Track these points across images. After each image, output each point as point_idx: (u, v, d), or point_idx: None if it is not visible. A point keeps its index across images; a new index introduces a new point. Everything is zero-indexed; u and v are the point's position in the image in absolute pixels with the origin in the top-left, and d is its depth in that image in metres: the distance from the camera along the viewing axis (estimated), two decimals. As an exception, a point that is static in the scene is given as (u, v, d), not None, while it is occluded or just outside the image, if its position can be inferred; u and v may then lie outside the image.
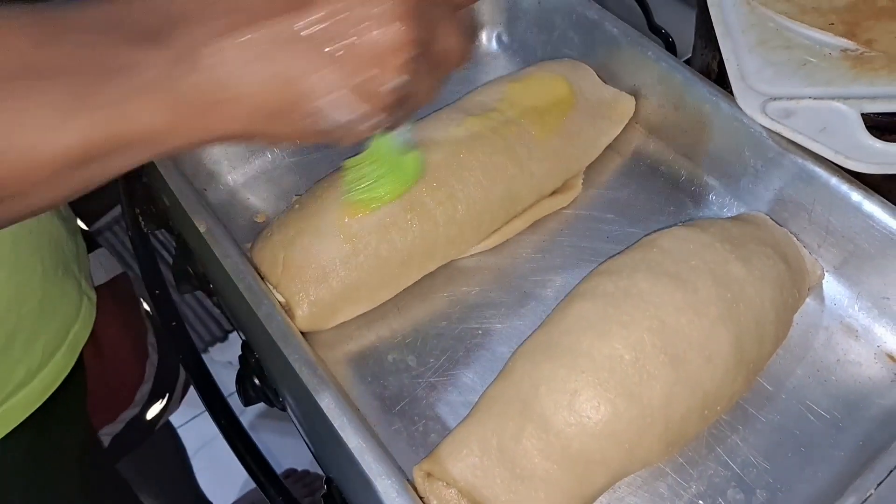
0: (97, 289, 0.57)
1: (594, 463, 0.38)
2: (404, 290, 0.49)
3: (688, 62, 0.61)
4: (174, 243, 0.59)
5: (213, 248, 0.46)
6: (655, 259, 0.43)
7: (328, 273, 0.46)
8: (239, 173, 0.57)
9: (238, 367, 0.51)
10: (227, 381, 0.54)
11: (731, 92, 0.47)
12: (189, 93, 0.28)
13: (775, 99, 0.46)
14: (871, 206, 0.44)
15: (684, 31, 0.62)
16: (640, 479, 0.41)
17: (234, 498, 1.04)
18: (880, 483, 0.36)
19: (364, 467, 0.37)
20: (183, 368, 0.71)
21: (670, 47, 0.62)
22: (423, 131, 0.51)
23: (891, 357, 0.45)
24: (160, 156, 0.29)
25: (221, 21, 0.28)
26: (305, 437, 0.49)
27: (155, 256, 0.59)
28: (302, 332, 0.44)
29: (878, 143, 0.42)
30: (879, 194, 0.44)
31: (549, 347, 0.41)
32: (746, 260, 0.43)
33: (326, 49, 0.28)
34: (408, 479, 0.38)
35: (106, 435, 0.63)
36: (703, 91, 0.51)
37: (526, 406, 0.39)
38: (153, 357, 0.67)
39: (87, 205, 0.68)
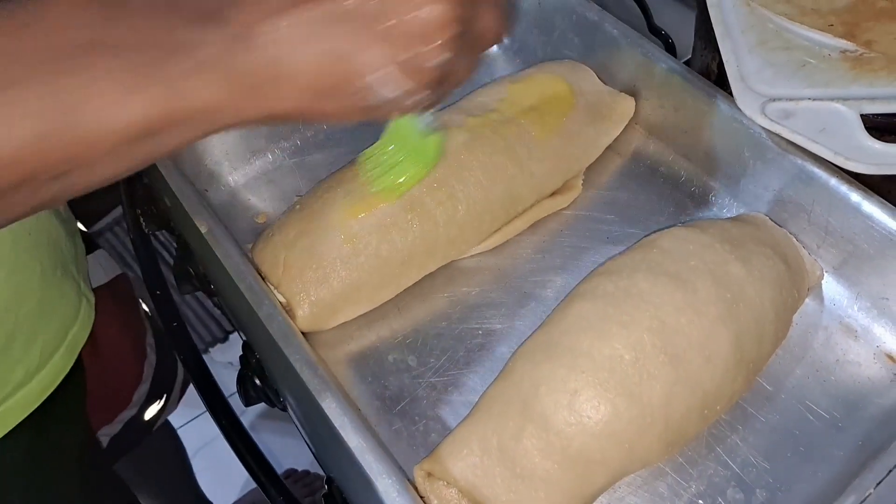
0: (96, 290, 0.57)
1: (594, 462, 0.38)
2: (405, 290, 0.49)
3: (687, 63, 0.61)
4: (175, 244, 0.59)
5: (214, 249, 0.46)
6: (655, 259, 0.43)
7: (329, 273, 0.47)
8: (240, 174, 0.57)
9: (238, 367, 0.51)
10: (227, 381, 0.54)
11: (730, 93, 0.47)
12: (244, 71, 0.29)
13: (775, 100, 0.46)
14: (871, 207, 0.44)
15: (684, 33, 0.62)
16: (640, 478, 0.41)
17: (234, 498, 1.05)
18: (879, 482, 0.36)
19: (365, 467, 0.37)
20: (184, 369, 0.72)
21: (670, 48, 0.62)
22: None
23: (890, 357, 0.45)
24: (215, 132, 0.30)
25: (274, 1, 0.29)
26: (306, 437, 0.49)
27: (156, 257, 0.60)
28: (303, 333, 0.44)
29: (878, 144, 0.42)
30: (879, 195, 0.44)
31: (550, 347, 0.41)
32: (746, 260, 0.43)
33: (375, 27, 0.29)
34: (408, 479, 0.38)
35: (104, 435, 0.63)
36: (702, 92, 0.51)
37: (526, 406, 0.39)
38: (151, 357, 0.67)
39: (86, 206, 0.68)
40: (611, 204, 0.53)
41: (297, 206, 0.50)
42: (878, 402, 0.43)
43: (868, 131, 0.43)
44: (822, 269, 0.48)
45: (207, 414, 0.51)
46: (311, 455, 0.50)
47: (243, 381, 0.51)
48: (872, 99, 0.45)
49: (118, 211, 1.25)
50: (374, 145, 0.43)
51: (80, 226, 0.61)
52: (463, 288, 0.50)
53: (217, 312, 1.19)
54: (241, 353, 0.51)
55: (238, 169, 0.57)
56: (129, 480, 0.68)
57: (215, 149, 0.56)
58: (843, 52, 0.48)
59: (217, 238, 0.46)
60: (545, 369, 0.40)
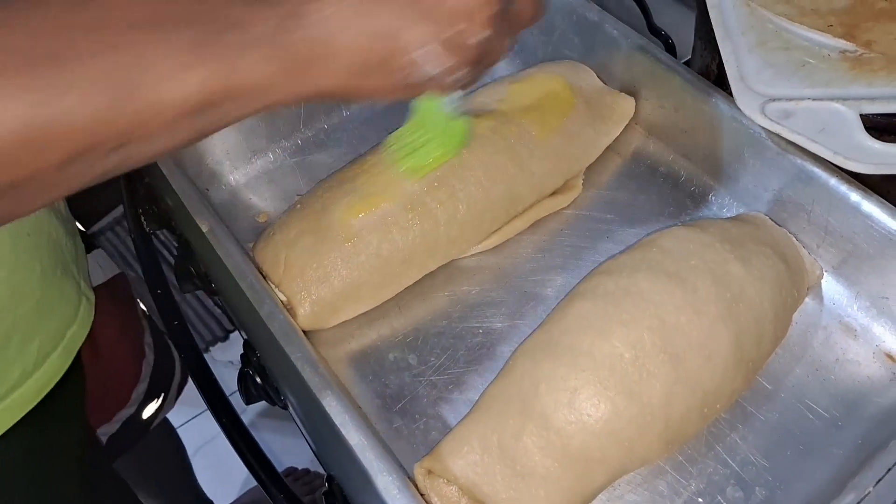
0: (94, 290, 0.57)
1: (594, 461, 0.39)
2: (405, 289, 0.49)
3: (687, 63, 0.61)
4: (176, 243, 0.59)
5: (215, 248, 0.46)
6: (655, 259, 0.44)
7: (329, 272, 0.47)
8: (241, 173, 0.57)
9: (239, 366, 0.51)
10: (228, 380, 0.54)
11: (730, 93, 0.47)
12: (295, 48, 0.30)
13: (774, 100, 0.46)
14: (870, 207, 0.44)
15: (684, 33, 0.62)
16: (640, 476, 0.41)
17: (234, 497, 1.05)
18: (879, 481, 0.36)
19: (365, 464, 0.37)
20: (181, 368, 0.72)
21: (670, 49, 0.62)
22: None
23: (889, 356, 0.45)
24: (264, 109, 0.31)
25: None
26: (306, 436, 0.49)
27: (157, 256, 0.60)
28: (303, 331, 0.44)
29: (877, 144, 0.43)
30: (878, 195, 0.45)
31: (550, 346, 0.41)
32: (746, 260, 0.44)
33: (419, 5, 0.31)
34: (409, 477, 0.38)
35: (102, 434, 0.63)
36: (702, 92, 0.51)
37: (526, 404, 0.39)
38: (150, 357, 0.67)
39: (85, 207, 0.68)
40: (611, 203, 0.54)
41: (298, 206, 0.51)
42: (877, 401, 0.44)
43: (867, 131, 0.43)
44: (822, 269, 0.48)
45: (207, 413, 0.52)
46: (312, 453, 0.50)
47: (244, 380, 0.51)
48: (872, 99, 0.45)
49: (117, 212, 1.26)
50: (402, 127, 0.43)
51: (78, 225, 0.61)
52: (463, 287, 0.50)
53: (218, 311, 1.19)
54: (241, 351, 0.51)
55: (239, 168, 0.58)
56: (129, 479, 0.68)
57: (216, 148, 0.56)
58: (843, 52, 0.48)
59: (218, 237, 0.46)
60: (545, 368, 0.40)
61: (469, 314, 0.48)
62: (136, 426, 0.66)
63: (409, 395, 0.45)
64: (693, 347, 0.40)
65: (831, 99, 0.45)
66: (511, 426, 0.39)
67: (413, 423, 0.44)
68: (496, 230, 0.51)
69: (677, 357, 0.40)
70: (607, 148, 0.55)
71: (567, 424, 0.38)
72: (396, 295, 0.49)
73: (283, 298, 0.47)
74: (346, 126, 0.60)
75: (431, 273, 0.50)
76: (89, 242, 0.60)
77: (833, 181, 0.45)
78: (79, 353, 0.52)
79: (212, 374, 0.53)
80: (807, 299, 0.48)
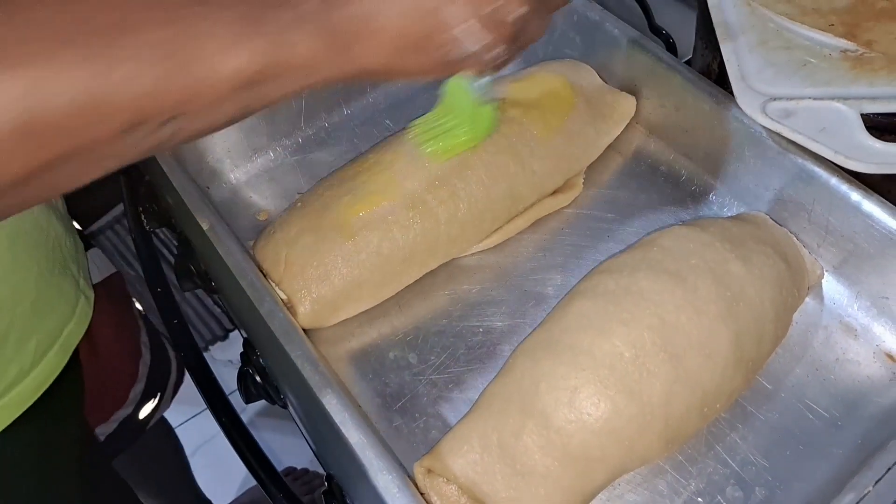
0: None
1: (594, 460, 0.39)
2: (405, 287, 0.49)
3: (688, 63, 0.61)
4: (176, 241, 0.59)
5: (215, 246, 0.46)
6: (656, 258, 0.44)
7: (330, 270, 0.47)
8: (241, 172, 0.57)
9: (238, 365, 0.51)
10: (227, 379, 0.54)
11: (731, 92, 0.47)
12: (339, 25, 0.30)
13: (775, 99, 0.46)
14: (871, 206, 0.44)
15: (685, 32, 0.62)
16: (640, 476, 0.41)
17: (232, 496, 1.04)
18: (878, 480, 0.36)
19: (365, 463, 0.37)
20: (180, 367, 0.72)
21: (671, 48, 0.62)
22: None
23: (889, 356, 0.45)
24: (308, 87, 0.31)
25: None
26: (306, 434, 0.49)
27: (157, 255, 0.60)
28: (304, 329, 0.44)
29: (878, 144, 0.43)
30: (879, 194, 0.45)
31: (550, 345, 0.41)
32: (746, 259, 0.44)
33: None
34: (409, 476, 0.38)
35: (99, 434, 0.63)
36: (703, 91, 0.51)
37: (526, 403, 0.39)
38: (146, 356, 0.67)
39: (83, 207, 0.68)
40: (611, 202, 0.54)
41: (299, 204, 0.50)
42: (877, 401, 0.44)
43: (868, 130, 0.43)
44: (823, 268, 0.48)
45: (206, 412, 0.51)
46: (311, 453, 0.50)
47: (244, 378, 0.51)
48: (873, 98, 0.45)
49: (115, 212, 1.26)
50: (429, 113, 0.43)
51: (75, 224, 0.61)
52: (464, 286, 0.50)
53: (217, 311, 1.19)
54: (241, 350, 0.51)
55: (240, 166, 0.58)
56: (127, 479, 0.68)
57: (217, 146, 0.56)
58: (844, 51, 0.48)
59: (219, 235, 0.46)
60: (545, 366, 0.40)
61: (469, 313, 0.48)
62: (133, 426, 0.66)
63: (409, 394, 0.45)
64: (693, 347, 0.40)
65: (832, 98, 0.45)
66: (511, 425, 0.39)
67: (413, 422, 0.44)
68: (497, 229, 0.51)
69: (677, 356, 0.40)
70: (608, 147, 0.55)
71: (567, 423, 0.38)
72: (397, 293, 0.49)
73: (284, 297, 0.47)
74: (347, 124, 0.60)
75: (432, 272, 0.50)
76: (86, 242, 0.60)
77: (834, 180, 0.45)
78: (76, 351, 0.52)
79: (211, 373, 0.53)
80: (807, 299, 0.48)
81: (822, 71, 0.47)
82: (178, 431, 0.89)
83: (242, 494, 1.04)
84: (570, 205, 0.54)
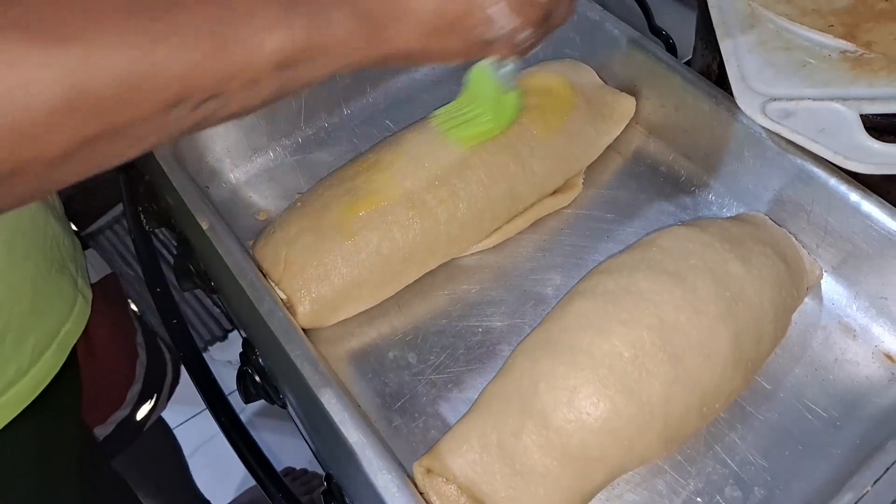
0: None
1: (593, 459, 0.39)
2: (405, 287, 0.49)
3: (688, 63, 0.61)
4: (175, 241, 0.59)
5: (215, 246, 0.46)
6: (655, 258, 0.44)
7: (330, 270, 0.47)
8: (241, 171, 0.57)
9: (238, 365, 0.51)
10: (226, 379, 0.54)
11: (731, 93, 0.47)
12: (376, 6, 0.31)
13: (775, 100, 0.46)
14: (870, 207, 0.44)
15: (685, 33, 0.62)
16: (639, 476, 0.41)
17: (231, 496, 1.04)
18: (877, 480, 0.36)
19: (364, 463, 0.37)
20: (175, 368, 0.72)
21: (671, 48, 0.62)
22: (427, 131, 0.51)
23: (888, 356, 0.45)
24: (341, 70, 0.32)
25: None
26: (305, 434, 0.49)
27: (156, 255, 0.60)
28: (303, 329, 0.44)
29: (877, 144, 0.43)
30: (878, 195, 0.45)
31: (549, 345, 0.41)
32: (745, 259, 0.44)
33: None
34: (408, 475, 0.38)
35: (97, 436, 0.63)
36: (703, 92, 0.51)
37: (525, 403, 0.39)
38: (143, 357, 0.67)
39: (80, 208, 0.68)
40: (611, 203, 0.54)
41: (299, 204, 0.51)
42: (876, 402, 0.44)
43: (867, 131, 0.43)
44: (822, 269, 0.48)
45: (205, 412, 0.51)
46: (310, 453, 0.50)
47: (243, 378, 0.51)
48: (872, 99, 0.45)
49: (113, 213, 1.25)
50: (454, 101, 0.44)
51: (72, 226, 0.61)
52: (463, 286, 0.50)
53: (216, 311, 1.19)
54: (240, 351, 0.51)
55: (239, 166, 0.58)
56: (126, 479, 0.68)
57: (217, 146, 0.56)
58: (843, 52, 0.48)
59: (218, 235, 0.46)
60: (545, 366, 0.40)
61: (469, 313, 0.48)
62: (131, 427, 0.66)
63: (409, 394, 0.45)
64: (692, 347, 0.40)
65: (831, 99, 0.45)
66: (510, 425, 0.39)
67: (412, 422, 0.44)
68: (496, 229, 0.51)
69: (676, 356, 0.40)
70: (608, 147, 0.55)
71: (566, 423, 0.38)
72: (396, 293, 0.49)
73: (283, 296, 0.47)
74: (347, 124, 0.60)
75: (431, 272, 0.50)
76: (82, 243, 0.60)
77: (833, 181, 0.46)
78: (74, 351, 0.52)
79: (210, 374, 0.53)
80: (806, 299, 0.48)
81: (822, 72, 0.47)
82: (177, 432, 0.89)
83: (241, 494, 1.04)
84: (569, 205, 0.54)
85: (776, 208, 0.49)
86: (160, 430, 0.84)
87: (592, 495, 0.40)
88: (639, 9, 0.65)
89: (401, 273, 0.48)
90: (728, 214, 0.52)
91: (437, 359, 0.46)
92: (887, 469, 0.36)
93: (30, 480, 0.51)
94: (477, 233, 0.50)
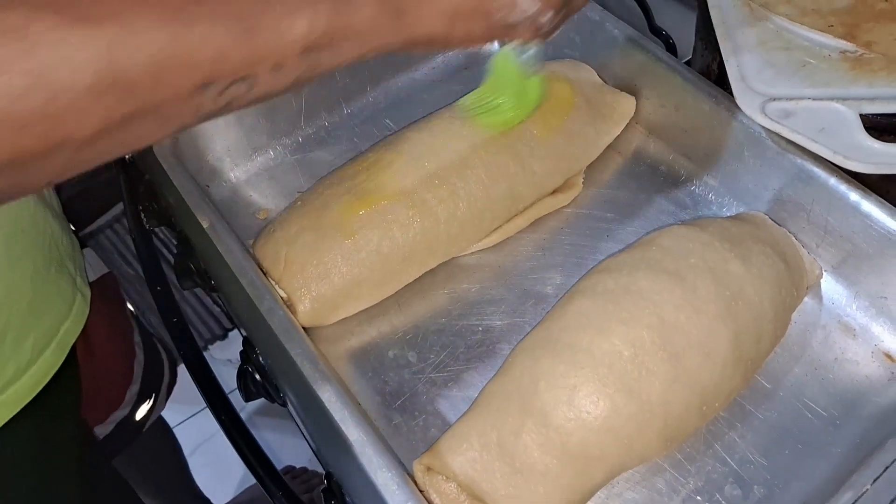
0: None
1: (593, 458, 0.39)
2: (405, 286, 0.49)
3: (688, 63, 0.61)
4: (175, 240, 0.59)
5: (215, 244, 0.46)
6: (655, 257, 0.44)
7: (330, 269, 0.47)
8: (242, 170, 0.58)
9: (238, 364, 0.51)
10: (227, 378, 0.54)
11: (730, 92, 0.48)
12: None
13: (775, 99, 0.46)
14: (870, 206, 0.44)
15: (685, 33, 0.62)
16: (639, 474, 0.41)
17: (231, 495, 1.04)
18: (876, 479, 0.36)
19: (364, 461, 0.37)
20: (172, 368, 0.72)
21: (671, 48, 0.62)
22: (427, 130, 0.52)
23: (888, 356, 0.45)
24: (363, 57, 0.32)
25: None
26: (305, 432, 0.49)
27: (157, 253, 0.60)
28: (303, 328, 0.44)
29: (877, 144, 0.43)
30: (877, 194, 0.45)
31: (549, 343, 0.41)
32: (745, 259, 0.44)
33: None
34: (408, 473, 0.38)
35: (97, 435, 0.63)
36: (703, 92, 0.51)
37: (525, 401, 0.39)
38: (140, 356, 0.67)
39: (79, 208, 0.68)
40: (611, 202, 0.54)
41: (299, 203, 0.51)
42: (875, 401, 0.44)
43: (867, 131, 0.43)
44: (821, 268, 0.48)
45: (205, 411, 0.51)
46: (310, 451, 0.50)
47: (243, 377, 0.51)
48: (872, 99, 0.45)
49: (113, 212, 1.25)
50: (478, 89, 0.44)
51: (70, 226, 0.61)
52: (463, 285, 0.50)
53: (216, 310, 1.19)
54: (240, 349, 0.51)
55: (240, 165, 0.58)
56: (127, 479, 0.67)
57: (217, 145, 0.56)
58: (843, 52, 0.48)
59: (219, 233, 0.46)
60: (545, 365, 0.40)
61: (469, 312, 0.48)
62: (130, 427, 0.66)
63: (409, 392, 0.45)
64: (692, 346, 0.40)
65: (831, 99, 0.45)
66: (510, 423, 0.39)
67: (412, 420, 0.44)
68: (496, 228, 0.51)
69: (676, 355, 0.40)
70: (608, 147, 0.55)
71: (566, 422, 0.38)
72: (396, 292, 0.49)
73: (284, 295, 0.47)
74: (347, 123, 0.60)
75: (431, 271, 0.50)
76: (80, 242, 0.60)
77: (833, 181, 0.46)
78: (73, 350, 0.52)
79: (211, 372, 0.53)
80: (806, 299, 0.48)
81: (822, 71, 0.47)
82: (176, 430, 0.89)
83: (241, 493, 1.04)
84: (569, 204, 0.54)
85: (776, 208, 0.49)
86: (160, 429, 0.84)
87: (592, 493, 0.40)
88: (639, 9, 0.65)
89: (401, 272, 0.49)
90: (728, 214, 0.52)
91: (437, 357, 0.46)
92: (886, 468, 0.36)
93: (29, 479, 0.51)
94: (477, 232, 0.50)
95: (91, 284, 0.59)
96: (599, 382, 0.39)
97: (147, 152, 0.52)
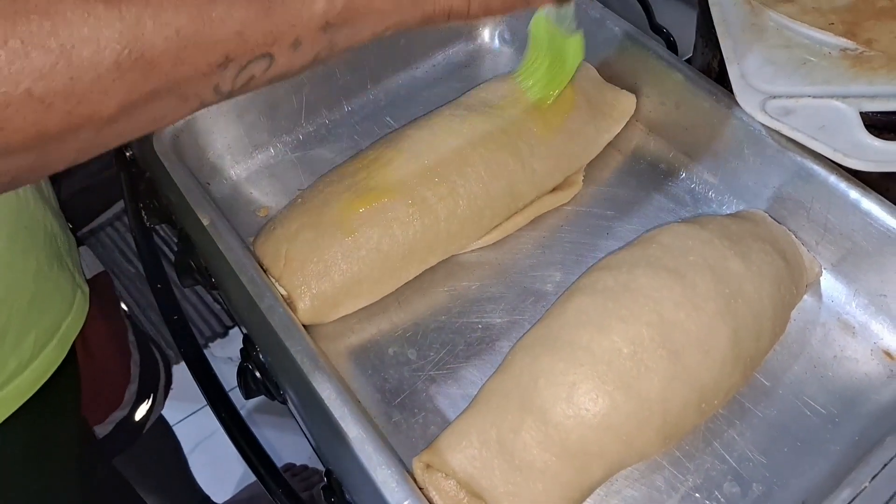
0: None
1: (592, 455, 0.39)
2: (405, 284, 0.49)
3: (689, 61, 0.61)
4: (176, 238, 0.59)
5: (216, 242, 0.46)
6: (655, 255, 0.44)
7: (330, 267, 0.47)
8: (242, 168, 0.58)
9: (238, 362, 0.51)
10: (227, 376, 0.54)
11: (731, 90, 0.47)
12: None
13: (775, 97, 0.46)
14: (869, 204, 0.44)
15: (685, 31, 0.62)
16: (638, 471, 0.42)
17: (231, 492, 1.05)
18: (875, 476, 0.36)
19: (364, 458, 0.37)
20: (168, 369, 0.72)
21: (671, 46, 0.62)
22: (427, 127, 0.52)
23: (887, 353, 0.45)
24: (380, 35, 0.32)
25: None
26: (305, 430, 0.49)
27: (157, 251, 0.60)
28: (304, 325, 0.44)
29: (877, 142, 0.43)
30: (877, 192, 0.45)
31: (549, 341, 0.41)
32: (745, 256, 0.44)
33: None
34: (407, 471, 0.38)
35: (97, 434, 0.63)
36: (703, 89, 0.51)
37: (525, 399, 0.39)
38: (136, 356, 0.67)
39: (77, 207, 0.68)
40: (611, 200, 0.54)
41: (299, 200, 0.51)
42: (874, 399, 0.44)
43: (867, 129, 0.43)
44: (821, 266, 0.48)
45: (205, 409, 0.51)
46: (311, 449, 0.50)
47: (243, 374, 0.51)
48: (872, 97, 0.45)
49: (114, 209, 1.26)
50: (524, 59, 0.45)
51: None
52: (463, 282, 0.50)
53: (217, 308, 1.19)
54: (241, 347, 0.51)
55: (240, 163, 0.58)
56: (128, 477, 0.68)
57: (217, 142, 0.56)
58: (844, 50, 0.48)
59: (219, 231, 0.46)
60: (544, 362, 0.40)
61: (468, 309, 0.49)
62: (130, 428, 0.66)
63: (409, 390, 0.45)
64: (691, 343, 0.40)
65: (831, 96, 0.45)
66: (510, 420, 0.39)
67: (412, 418, 0.44)
68: (496, 226, 0.51)
69: (676, 353, 0.40)
70: (608, 144, 0.55)
71: (565, 419, 0.39)
72: (396, 290, 0.49)
73: (284, 292, 0.47)
74: (348, 121, 0.60)
75: (431, 268, 0.50)
76: (77, 241, 0.60)
77: (832, 178, 0.46)
78: (73, 348, 0.53)
79: (211, 370, 0.53)
80: (805, 296, 0.48)
81: (822, 69, 0.47)
82: (176, 428, 0.89)
83: (241, 490, 1.04)
84: (569, 202, 0.54)
85: (776, 205, 0.49)
86: (160, 428, 0.84)
87: (591, 491, 0.40)
88: (639, 6, 0.65)
89: (401, 269, 0.49)
90: (728, 211, 0.52)
91: (436, 355, 0.47)
92: (885, 465, 0.36)
93: (30, 476, 0.51)
94: (477, 230, 0.50)
95: (87, 282, 0.59)
96: (599, 380, 0.39)
97: (148, 150, 0.52)
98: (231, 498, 1.03)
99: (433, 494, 0.39)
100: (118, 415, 0.65)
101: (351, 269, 0.47)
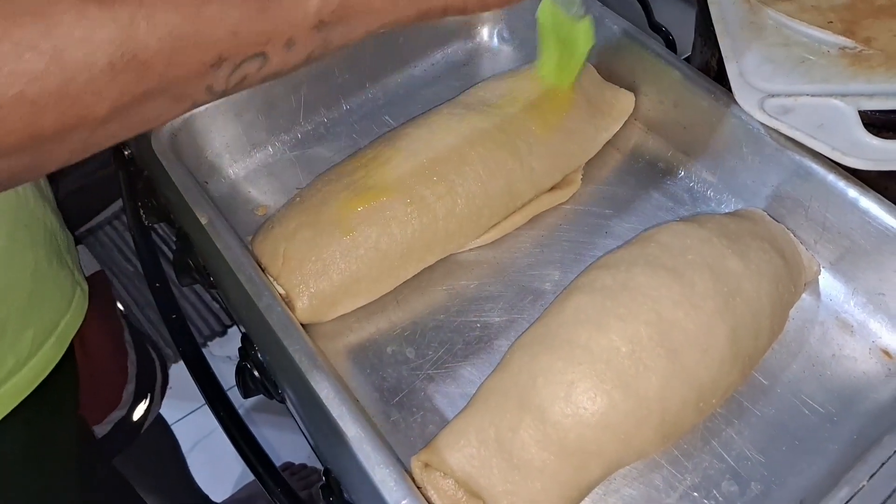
0: None
1: (590, 454, 0.39)
2: (403, 283, 0.49)
3: (687, 60, 0.61)
4: (174, 237, 0.59)
5: (214, 241, 0.46)
6: (653, 253, 0.44)
7: (328, 265, 0.47)
8: (240, 167, 0.57)
9: (237, 361, 0.51)
10: (226, 375, 0.54)
11: (729, 89, 0.48)
12: None
13: (773, 96, 0.46)
14: (868, 203, 0.44)
15: (684, 29, 0.62)
16: (636, 470, 0.42)
17: (230, 492, 1.05)
18: (873, 475, 0.36)
19: (362, 457, 0.37)
20: (164, 369, 0.72)
21: (670, 45, 0.62)
22: (425, 126, 0.52)
23: (885, 352, 0.46)
24: (375, 32, 0.32)
25: None
26: (304, 429, 0.49)
27: (156, 250, 0.60)
28: (302, 324, 0.44)
29: (875, 140, 0.43)
30: (875, 191, 0.45)
31: (547, 340, 0.41)
32: (743, 255, 0.44)
33: None
34: (406, 470, 0.38)
35: (96, 434, 0.63)
36: (702, 88, 0.51)
37: (523, 397, 0.39)
38: (132, 355, 0.67)
39: (76, 207, 0.68)
40: (609, 199, 0.54)
41: (298, 199, 0.51)
42: (872, 397, 0.44)
43: (866, 127, 0.43)
44: (819, 265, 0.48)
45: (203, 408, 0.51)
46: (309, 448, 0.50)
47: (242, 373, 0.51)
48: (870, 95, 0.45)
49: (110, 211, 1.26)
50: (538, 46, 0.46)
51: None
52: (461, 281, 0.50)
53: (216, 307, 1.19)
54: (239, 346, 0.51)
55: (238, 161, 0.58)
56: (127, 477, 0.68)
57: (216, 141, 0.56)
58: (842, 48, 0.48)
59: (217, 230, 0.46)
60: (543, 361, 0.40)
61: (467, 308, 0.49)
62: (129, 428, 0.66)
63: (407, 389, 0.45)
64: (690, 342, 0.40)
65: (830, 95, 0.45)
66: (508, 419, 0.39)
67: (410, 417, 0.44)
68: (495, 225, 0.51)
69: (674, 351, 0.40)
70: (606, 143, 0.55)
71: (564, 417, 0.39)
72: (395, 289, 0.49)
73: (282, 291, 0.47)
74: (346, 120, 0.60)
75: (430, 267, 0.50)
76: (75, 240, 0.60)
77: (831, 177, 0.46)
78: (71, 345, 0.53)
79: (210, 369, 0.53)
80: (804, 295, 0.48)
81: (821, 68, 0.47)
82: (175, 427, 0.89)
83: (240, 490, 1.04)
84: (567, 201, 0.54)
85: (774, 204, 0.49)
86: (158, 427, 0.84)
87: (589, 489, 0.40)
88: (638, 5, 0.65)
89: (399, 268, 0.49)
90: (726, 210, 0.52)
91: (435, 354, 0.47)
92: (883, 464, 0.36)
93: (28, 475, 0.51)
94: (475, 229, 0.50)
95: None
96: (597, 378, 0.39)
97: (146, 148, 0.52)
98: (229, 497, 1.03)
99: (431, 493, 0.39)
100: (116, 415, 0.65)
101: (349, 268, 0.47)
